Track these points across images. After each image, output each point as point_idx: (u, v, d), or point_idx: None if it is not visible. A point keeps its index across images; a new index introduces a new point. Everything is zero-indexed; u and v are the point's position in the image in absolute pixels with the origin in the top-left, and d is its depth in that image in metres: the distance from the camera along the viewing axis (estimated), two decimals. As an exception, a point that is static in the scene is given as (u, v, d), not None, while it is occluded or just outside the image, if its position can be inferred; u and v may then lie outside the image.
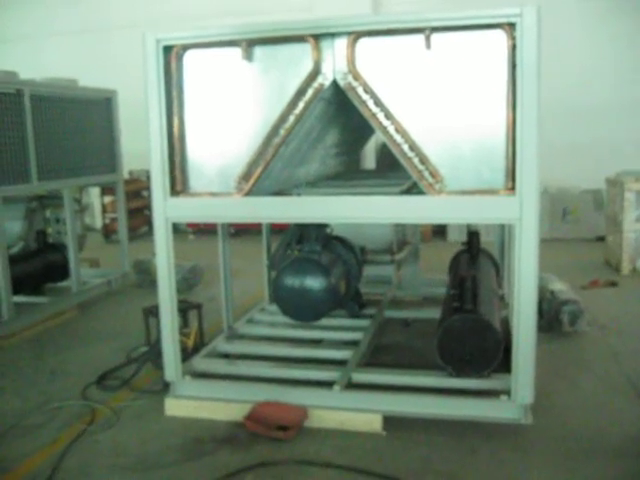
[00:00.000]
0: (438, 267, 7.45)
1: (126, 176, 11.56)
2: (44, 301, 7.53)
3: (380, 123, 4.23)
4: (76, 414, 4.82)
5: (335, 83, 4.31)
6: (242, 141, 4.49)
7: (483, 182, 4.10)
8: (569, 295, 6.42)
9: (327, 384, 4.66)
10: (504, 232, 6.79)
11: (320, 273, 5.15)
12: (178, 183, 4.61)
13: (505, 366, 4.38)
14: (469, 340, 4.46)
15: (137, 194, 13.28)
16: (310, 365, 5.11)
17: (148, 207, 9.99)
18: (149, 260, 8.35)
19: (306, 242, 5.52)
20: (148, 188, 11.83)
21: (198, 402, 4.73)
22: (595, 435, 4.27)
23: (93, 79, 8.90)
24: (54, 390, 5.29)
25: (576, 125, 11.90)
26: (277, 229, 6.61)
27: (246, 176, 4.48)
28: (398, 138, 4.20)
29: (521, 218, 4.00)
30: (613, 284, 8.15)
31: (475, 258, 6.37)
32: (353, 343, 5.49)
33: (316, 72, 4.29)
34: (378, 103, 4.21)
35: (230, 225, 7.79)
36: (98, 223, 13.63)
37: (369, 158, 9.41)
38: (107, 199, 13.16)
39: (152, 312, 5.44)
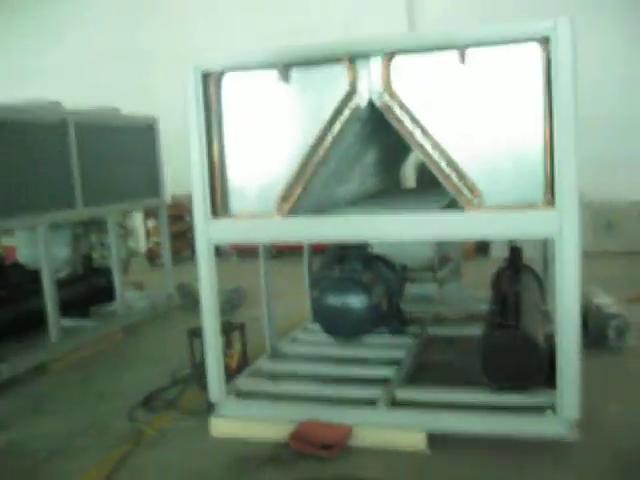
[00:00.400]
0: (481, 284, 7.40)
1: (169, 200, 11.75)
2: (91, 324, 7.66)
3: (417, 141, 4.26)
4: (123, 435, 4.89)
5: (371, 102, 4.35)
6: (281, 162, 4.55)
7: (522, 196, 4.09)
8: (615, 309, 6.31)
9: (371, 402, 4.66)
10: (547, 247, 6.72)
11: (361, 291, 5.17)
12: (219, 205, 4.68)
13: (551, 382, 4.33)
14: (512, 356, 4.43)
15: (180, 218, 13.46)
16: (353, 383, 5.12)
17: (191, 230, 10.13)
18: (192, 282, 8.44)
19: (347, 261, 5.54)
20: (190, 212, 11.99)
21: (242, 422, 4.76)
22: (646, 452, 4.19)
23: (133, 105, 9.09)
24: (102, 411, 5.38)
25: (618, 136, 11.74)
26: (318, 250, 6.65)
27: (286, 197, 4.54)
28: (435, 155, 4.22)
29: (561, 232, 3.97)
30: (661, 298, 7.98)
31: (517, 274, 6.31)
32: (396, 361, 5.48)
33: (352, 92, 4.34)
34: (414, 121, 4.24)
35: (272, 247, 7.86)
36: (142, 247, 13.83)
37: (409, 176, 9.41)
38: (150, 223, 13.38)
39: (196, 334, 5.50)
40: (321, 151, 4.45)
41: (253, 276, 6.31)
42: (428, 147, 4.23)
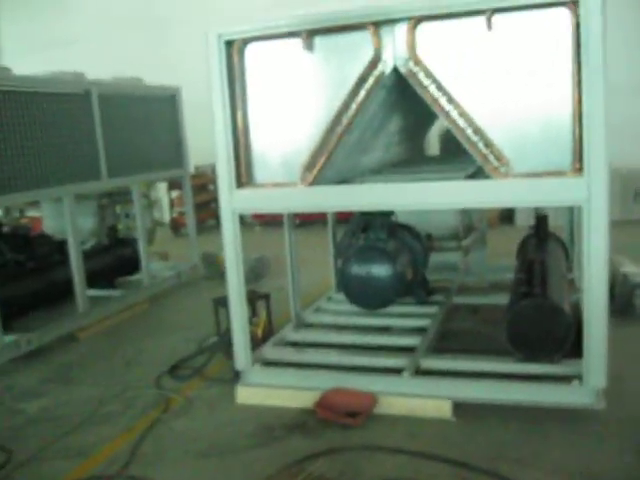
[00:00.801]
0: (506, 252, 7.35)
1: (192, 171, 11.76)
2: (117, 294, 7.74)
3: (443, 108, 4.21)
4: (151, 403, 4.96)
5: (396, 70, 4.30)
6: (305, 131, 4.53)
7: (549, 164, 4.03)
8: (642, 278, 6.25)
9: (396, 371, 4.67)
10: (573, 215, 6.65)
11: (386, 260, 5.16)
12: (243, 175, 4.68)
13: (577, 351, 4.30)
14: (539, 324, 4.40)
15: (203, 188, 13.50)
16: (379, 352, 5.13)
17: (215, 200, 10.11)
18: (217, 252, 8.48)
19: (371, 230, 5.53)
20: (214, 182, 12.00)
21: (268, 390, 4.80)
22: (672, 420, 4.17)
23: (156, 75, 9.08)
24: (129, 380, 5.45)
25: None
26: (342, 219, 6.63)
27: (310, 166, 4.52)
28: (461, 122, 4.17)
29: (590, 200, 3.92)
30: (689, 266, 7.88)
31: (543, 242, 6.26)
32: (421, 330, 5.48)
33: (377, 59, 4.30)
34: (440, 88, 4.19)
35: (295, 216, 7.86)
36: (166, 217, 13.90)
37: (433, 144, 9.32)
38: (174, 194, 13.44)
39: (221, 303, 5.54)
40: (345, 120, 4.42)
41: (277, 246, 6.33)
42: (454, 114, 4.18)
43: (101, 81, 7.37)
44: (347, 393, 4.56)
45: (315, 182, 4.53)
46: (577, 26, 3.83)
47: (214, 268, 8.58)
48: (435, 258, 6.51)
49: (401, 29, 4.22)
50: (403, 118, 6.16)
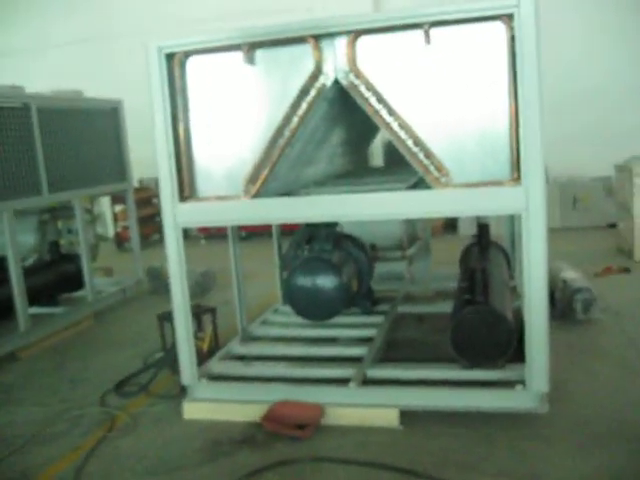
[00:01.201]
0: (450, 261, 7.45)
1: (136, 184, 11.64)
2: (60, 311, 7.59)
3: (383, 120, 4.26)
4: (96, 421, 4.88)
5: (337, 82, 4.34)
6: (248, 144, 4.53)
7: (489, 174, 4.12)
8: (582, 283, 6.41)
9: (343, 381, 4.68)
10: (514, 223, 6.79)
11: (331, 272, 5.17)
12: (186, 188, 4.65)
13: (521, 356, 4.39)
14: (482, 331, 4.47)
15: (147, 202, 13.37)
16: (325, 363, 5.14)
17: (159, 214, 10.09)
18: (162, 266, 8.40)
19: (316, 242, 5.55)
20: (158, 195, 11.92)
21: (215, 404, 4.77)
22: (612, 421, 4.27)
23: (98, 88, 8.99)
24: (74, 398, 5.35)
25: (584, 112, 11.88)
26: (287, 231, 6.64)
27: (253, 178, 4.52)
28: (402, 134, 4.23)
29: (527, 208, 4.01)
30: (626, 270, 8.13)
31: (485, 250, 6.37)
32: (367, 340, 5.52)
33: (318, 72, 4.33)
34: (381, 100, 4.24)
35: (240, 229, 7.84)
36: (110, 232, 13.72)
37: (377, 155, 9.42)
38: (118, 208, 13.27)
39: (167, 318, 5.49)
40: (287, 132, 4.43)
41: (223, 259, 6.30)
42: (395, 126, 4.24)
43: (40, 94, 7.25)
44: (294, 405, 4.56)
45: (259, 195, 4.53)
46: (512, 39, 3.93)
47: (159, 283, 8.49)
48: (380, 268, 6.56)
49: (341, 42, 4.26)
50: (346, 130, 6.22)
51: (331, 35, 4.27)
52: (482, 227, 6.60)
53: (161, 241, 4.90)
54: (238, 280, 5.88)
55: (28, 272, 7.11)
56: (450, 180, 4.17)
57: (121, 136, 8.63)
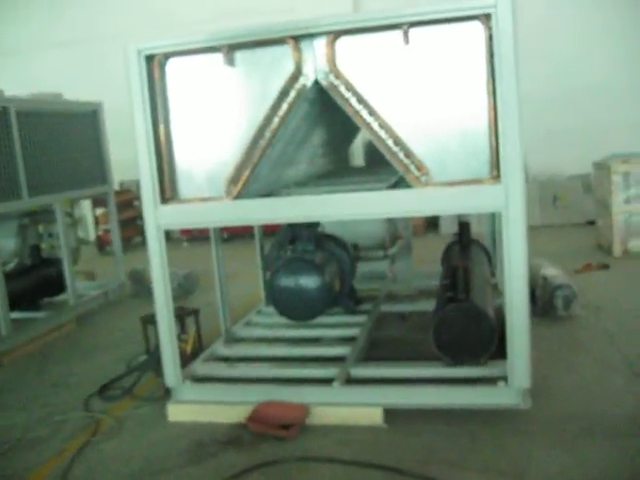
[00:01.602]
0: (432, 260, 7.49)
1: (117, 187, 11.61)
2: (42, 316, 7.54)
3: (364, 120, 4.28)
4: (80, 425, 4.86)
5: (317, 83, 4.35)
6: (229, 145, 4.53)
7: (468, 172, 4.15)
8: (562, 280, 6.47)
9: (327, 381, 4.70)
10: (495, 221, 6.84)
11: (314, 272, 5.19)
12: (168, 190, 4.65)
13: (502, 353, 4.42)
14: (463, 329, 4.51)
15: (129, 204, 13.31)
16: (309, 363, 5.16)
17: (140, 217, 10.04)
18: (144, 269, 8.37)
19: (298, 242, 5.56)
20: (139, 198, 11.88)
21: (200, 406, 4.77)
22: (594, 416, 4.32)
23: (81, 91, 8.97)
24: (57, 403, 5.32)
25: (563, 111, 12.00)
26: (269, 232, 6.65)
27: (234, 180, 4.52)
28: (382, 134, 4.25)
29: (507, 206, 4.05)
30: (605, 267, 8.22)
31: (466, 248, 6.42)
32: (351, 339, 5.54)
33: (298, 73, 4.34)
34: (361, 100, 4.26)
35: (223, 230, 7.83)
36: (91, 235, 13.66)
37: (358, 155, 9.46)
38: (99, 211, 13.19)
39: (150, 320, 5.48)
40: (268, 133, 4.44)
41: (206, 261, 6.30)
42: (375, 126, 4.26)
43: (19, 98, 7.20)
44: (279, 405, 4.57)
45: (240, 196, 4.53)
46: (490, 38, 3.96)
47: (142, 285, 8.47)
48: (362, 267, 6.59)
49: (321, 43, 4.27)
50: (327, 130, 6.24)
51: (311, 36, 4.28)
52: (463, 225, 6.65)
53: (143, 244, 4.90)
54: (221, 282, 5.89)
55: (9, 277, 7.07)
56: (430, 179, 4.20)
57: (101, 139, 8.58)
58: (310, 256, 5.37)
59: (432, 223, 11.96)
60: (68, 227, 8.18)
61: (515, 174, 4.01)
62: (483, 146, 4.10)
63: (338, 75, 4.27)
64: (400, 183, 4.68)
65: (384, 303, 6.65)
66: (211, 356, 5.49)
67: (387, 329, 6.30)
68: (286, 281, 5.20)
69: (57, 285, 7.96)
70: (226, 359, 5.54)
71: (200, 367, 5.22)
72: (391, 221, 6.95)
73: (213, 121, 4.56)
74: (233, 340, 5.92)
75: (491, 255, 6.82)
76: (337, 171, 7.00)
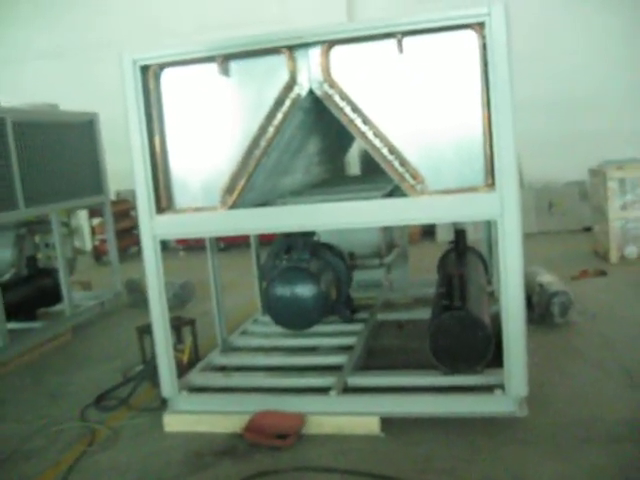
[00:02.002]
0: (428, 268, 7.50)
1: (113, 197, 11.60)
2: (38, 326, 7.52)
3: (358, 129, 4.29)
4: (76, 436, 4.84)
5: (312, 92, 4.36)
6: (224, 155, 4.54)
7: (463, 181, 4.16)
8: (558, 286, 6.47)
9: (324, 390, 4.69)
10: (490, 228, 6.84)
11: (309, 281, 5.19)
12: (163, 200, 4.65)
13: (498, 361, 4.42)
14: (460, 337, 4.50)
15: (125, 214, 13.30)
16: (306, 372, 5.15)
17: (137, 227, 10.08)
18: (140, 279, 8.36)
19: (294, 251, 5.56)
20: (135, 208, 11.89)
21: (196, 416, 4.76)
22: (591, 423, 4.31)
23: (75, 101, 8.98)
24: (54, 413, 5.30)
25: (558, 118, 12.04)
26: (265, 241, 6.65)
27: (230, 189, 4.53)
28: (377, 142, 4.26)
29: (502, 214, 4.05)
30: (602, 273, 8.22)
31: (462, 256, 6.42)
32: (347, 348, 5.53)
33: (292, 82, 4.35)
34: (355, 109, 4.27)
35: (219, 240, 7.84)
36: (88, 245, 13.65)
37: (354, 164, 9.48)
38: (95, 221, 13.19)
39: (146, 330, 5.47)
40: (263, 142, 4.45)
41: (202, 270, 6.30)
42: (370, 135, 4.26)
43: (15, 108, 7.21)
44: (275, 415, 4.56)
45: (235, 205, 4.54)
46: (484, 47, 3.98)
47: (138, 295, 8.45)
48: (358, 276, 6.59)
49: (315, 52, 4.28)
50: (322, 139, 6.25)
51: (305, 45, 4.29)
52: (459, 233, 6.65)
53: (139, 254, 4.89)
54: (217, 291, 5.88)
55: (5, 287, 7.06)
56: (425, 187, 4.21)
57: (97, 149, 8.58)
58: (306, 265, 5.37)
59: (428, 231, 11.96)
60: (64, 237, 8.18)
61: (510, 182, 4.01)
62: (478, 154, 4.11)
63: (332, 84, 4.28)
64: (396, 192, 4.68)
65: (380, 311, 6.65)
66: (207, 366, 5.48)
67: (384, 338, 6.30)
68: (282, 290, 5.20)
69: (53, 295, 7.95)
70: (222, 369, 5.54)
71: (196, 377, 5.21)
72: (387, 229, 6.96)
73: (208, 131, 4.57)
74: (230, 349, 5.91)
75: (487, 262, 6.83)
76: (333, 180, 7.00)
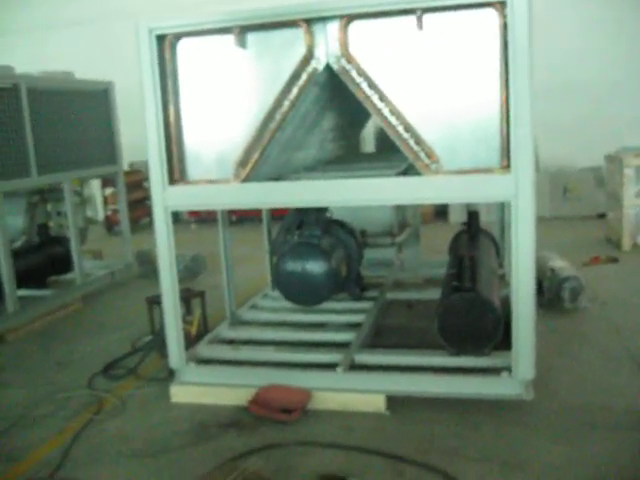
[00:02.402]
0: (440, 248, 7.47)
1: (127, 168, 11.60)
2: (48, 294, 7.57)
3: (375, 105, 4.25)
4: (83, 404, 4.88)
5: (329, 67, 4.32)
6: (238, 127, 4.52)
7: (479, 161, 4.12)
8: (570, 272, 6.44)
9: (330, 366, 4.70)
10: (504, 211, 6.80)
11: (320, 257, 5.18)
12: (176, 172, 4.64)
13: (506, 343, 4.41)
14: (469, 318, 4.49)
15: (138, 185, 13.30)
16: (313, 348, 5.16)
17: (149, 198, 10.06)
18: (151, 250, 8.38)
19: (306, 227, 5.55)
20: (148, 179, 11.89)
21: (203, 388, 4.78)
22: (597, 408, 4.30)
23: (92, 70, 8.93)
24: (61, 381, 5.34)
25: (576, 103, 11.90)
26: (277, 216, 6.64)
27: (243, 162, 4.51)
28: (393, 120, 4.22)
29: (517, 196, 4.02)
30: (614, 260, 8.16)
31: (474, 238, 6.39)
32: (356, 325, 5.53)
33: (309, 56, 4.31)
34: (372, 85, 4.23)
35: (231, 213, 7.83)
36: (100, 215, 13.68)
37: (369, 141, 9.42)
38: (108, 191, 13.21)
39: (155, 301, 5.49)
40: (278, 116, 4.42)
41: (213, 243, 6.29)
42: (386, 112, 4.23)
43: (30, 75, 7.19)
44: (281, 389, 4.57)
45: (249, 178, 4.52)
46: (504, 26, 3.92)
47: (149, 266, 8.47)
48: (370, 254, 6.57)
49: (333, 27, 4.24)
50: (337, 115, 6.21)
51: (323, 19, 4.25)
52: (472, 214, 6.61)
53: (151, 225, 4.89)
54: (228, 264, 5.88)
55: (17, 254, 7.09)
56: (440, 167, 4.17)
57: (112, 118, 8.56)
58: (317, 241, 5.35)
59: (441, 211, 11.91)
60: (76, 206, 8.19)
61: (526, 164, 3.97)
62: (494, 135, 4.07)
63: (350, 59, 4.24)
64: (410, 170, 4.65)
65: (390, 290, 6.63)
66: (215, 338, 5.50)
67: (393, 316, 6.28)
68: (292, 265, 5.20)
69: (64, 264, 7.99)
70: (230, 342, 5.55)
71: (204, 349, 5.23)
72: (400, 208, 6.92)
73: (223, 103, 4.54)
74: (238, 323, 5.93)
75: (499, 245, 6.79)
76: (347, 156, 6.97)
